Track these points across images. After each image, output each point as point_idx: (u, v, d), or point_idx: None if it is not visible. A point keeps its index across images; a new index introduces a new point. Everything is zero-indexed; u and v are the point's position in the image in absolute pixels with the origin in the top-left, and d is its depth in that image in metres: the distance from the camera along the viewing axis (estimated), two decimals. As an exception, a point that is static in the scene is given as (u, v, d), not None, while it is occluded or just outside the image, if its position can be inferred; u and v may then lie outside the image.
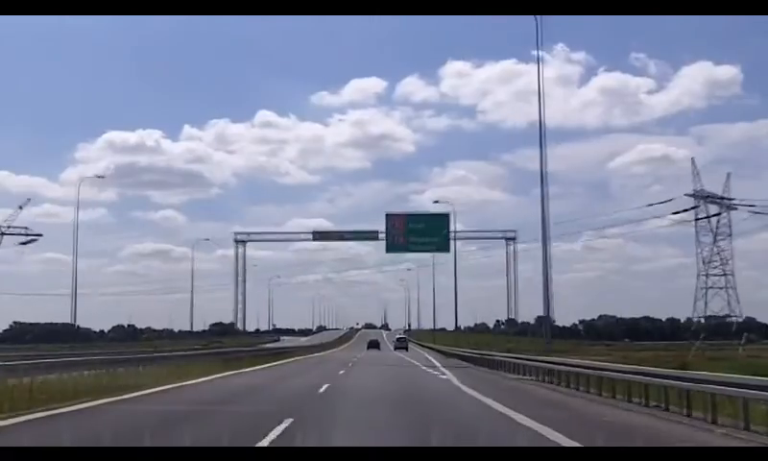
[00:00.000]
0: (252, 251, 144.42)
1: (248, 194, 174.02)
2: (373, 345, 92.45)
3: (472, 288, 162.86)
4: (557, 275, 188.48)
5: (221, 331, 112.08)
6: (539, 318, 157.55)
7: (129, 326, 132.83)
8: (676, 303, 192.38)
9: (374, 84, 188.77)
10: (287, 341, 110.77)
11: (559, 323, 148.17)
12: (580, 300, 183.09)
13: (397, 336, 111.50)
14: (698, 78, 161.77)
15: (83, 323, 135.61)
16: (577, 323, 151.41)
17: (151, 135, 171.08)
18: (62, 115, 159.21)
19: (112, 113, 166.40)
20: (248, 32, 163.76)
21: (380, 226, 70.36)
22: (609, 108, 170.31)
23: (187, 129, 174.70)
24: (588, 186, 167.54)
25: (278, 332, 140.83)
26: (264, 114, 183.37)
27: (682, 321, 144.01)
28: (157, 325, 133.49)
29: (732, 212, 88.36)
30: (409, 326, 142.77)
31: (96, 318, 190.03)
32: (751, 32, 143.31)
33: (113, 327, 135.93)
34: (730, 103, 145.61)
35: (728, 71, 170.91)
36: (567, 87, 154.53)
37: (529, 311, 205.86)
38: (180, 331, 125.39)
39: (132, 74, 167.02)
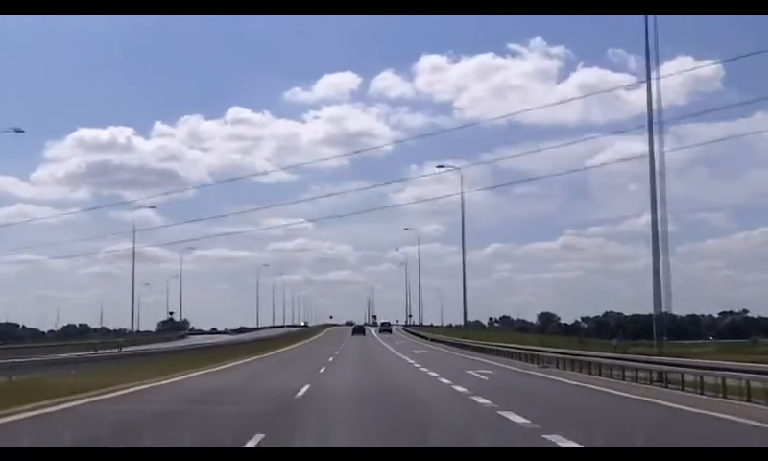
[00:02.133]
0: (228, 251, 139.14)
1: (225, 193, 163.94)
2: (358, 331, 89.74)
3: (453, 287, 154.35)
4: (538, 274, 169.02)
5: (170, 329, 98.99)
6: (543, 315, 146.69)
7: (80, 325, 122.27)
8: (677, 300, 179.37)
9: (348, 80, 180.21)
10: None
11: (562, 320, 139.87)
12: (566, 298, 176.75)
13: (381, 322, 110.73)
14: (679, 73, 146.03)
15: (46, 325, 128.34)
16: (579, 320, 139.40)
17: (122, 133, 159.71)
18: (28, 112, 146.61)
19: (79, 109, 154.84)
20: (215, 26, 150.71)
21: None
22: (588, 104, 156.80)
23: (158, 125, 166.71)
24: (566, 185, 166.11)
25: (243, 331, 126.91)
26: (236, 111, 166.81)
27: (702, 317, 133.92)
28: (121, 325, 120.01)
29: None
30: (411, 316, 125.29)
31: (66, 319, 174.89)
32: (732, 26, 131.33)
33: (63, 327, 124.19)
34: (710, 99, 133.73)
35: (709, 67, 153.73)
36: (546, 83, 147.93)
37: (513, 309, 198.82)
38: (125, 331, 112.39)
39: (98, 68, 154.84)
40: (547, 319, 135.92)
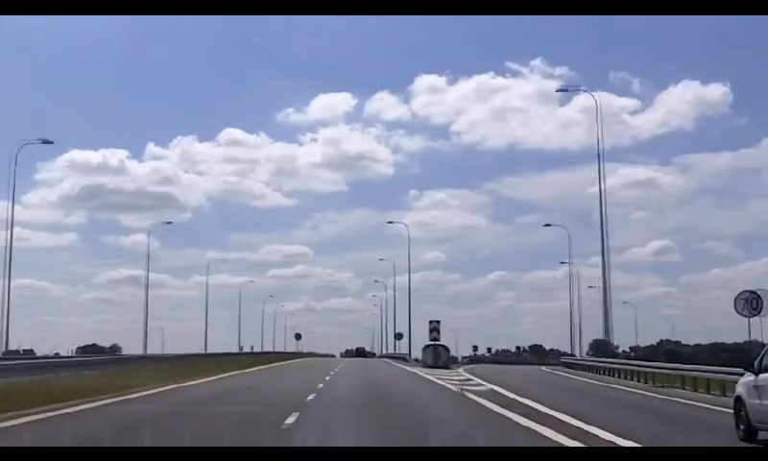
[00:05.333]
0: (226, 278, 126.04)
1: (223, 218, 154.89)
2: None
3: (454, 316, 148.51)
4: (540, 303, 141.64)
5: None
6: (594, 343, 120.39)
7: (24, 351, 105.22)
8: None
9: (343, 101, 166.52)
10: None
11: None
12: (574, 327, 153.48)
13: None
14: (685, 97, 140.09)
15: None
16: (627, 350, 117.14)
17: (115, 155, 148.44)
18: (16, 132, 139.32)
19: (69, 130, 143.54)
20: (202, 44, 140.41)
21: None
22: (590, 129, 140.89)
23: (151, 147, 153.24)
24: (570, 215, 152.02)
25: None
26: (230, 132, 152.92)
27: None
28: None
29: None
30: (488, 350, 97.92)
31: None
32: (741, 47, 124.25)
33: (3, 353, 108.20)
34: (718, 125, 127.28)
35: (716, 90, 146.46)
36: (548, 105, 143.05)
37: (518, 339, 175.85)
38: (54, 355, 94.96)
39: (87, 87, 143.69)
40: (600, 347, 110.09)
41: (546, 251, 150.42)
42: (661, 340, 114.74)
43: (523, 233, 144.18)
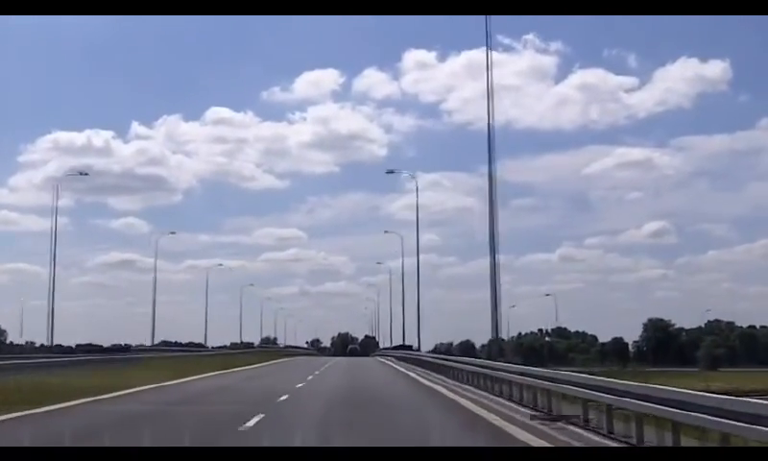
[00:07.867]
0: (219, 262, 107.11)
1: (214, 201, 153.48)
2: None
3: (451, 300, 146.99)
4: (536, 286, 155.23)
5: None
6: (649, 324, 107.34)
7: None
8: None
9: (330, 78, 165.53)
10: None
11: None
12: (571, 311, 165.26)
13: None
14: (684, 74, 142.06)
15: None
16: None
17: (99, 135, 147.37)
18: None
19: (48, 109, 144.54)
20: (184, 22, 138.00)
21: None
22: (586, 107, 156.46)
23: (136, 127, 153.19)
24: (566, 198, 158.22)
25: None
26: (216, 111, 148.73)
27: None
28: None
29: None
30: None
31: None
32: (742, 25, 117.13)
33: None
34: (717, 103, 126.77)
35: (716, 67, 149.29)
36: (542, 82, 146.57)
37: (518, 322, 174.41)
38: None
39: (66, 65, 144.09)
40: (657, 327, 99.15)
41: (541, 233, 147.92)
42: (709, 321, 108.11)
43: (518, 217, 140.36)
